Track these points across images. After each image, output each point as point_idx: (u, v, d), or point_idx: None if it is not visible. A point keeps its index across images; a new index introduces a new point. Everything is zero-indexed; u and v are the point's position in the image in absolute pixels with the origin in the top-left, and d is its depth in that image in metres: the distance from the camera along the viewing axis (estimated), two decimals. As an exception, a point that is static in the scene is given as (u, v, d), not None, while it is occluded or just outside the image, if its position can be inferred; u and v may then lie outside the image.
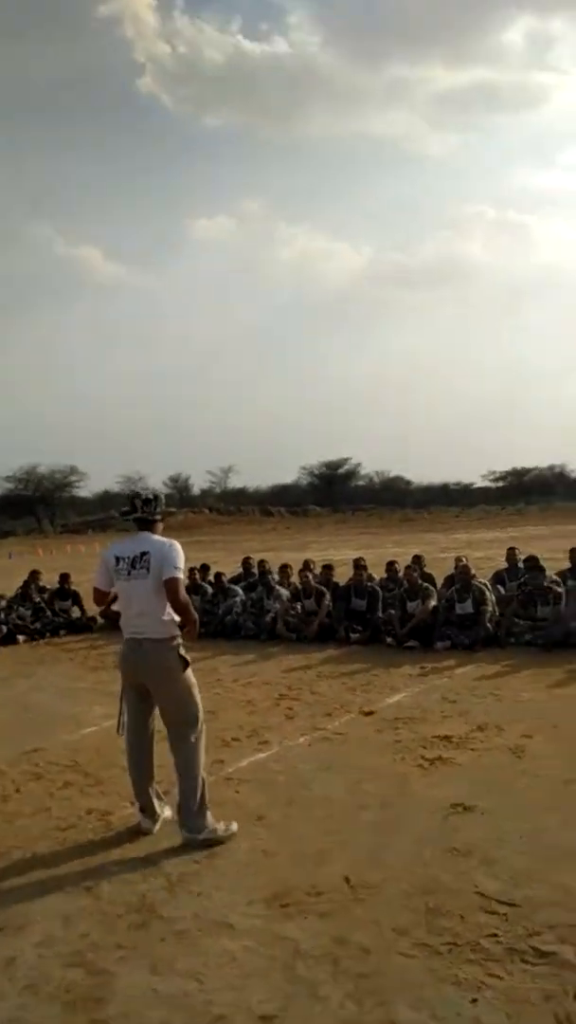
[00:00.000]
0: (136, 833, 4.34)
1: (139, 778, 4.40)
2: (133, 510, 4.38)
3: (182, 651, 4.29)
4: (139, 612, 4.26)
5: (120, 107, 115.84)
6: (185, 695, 4.28)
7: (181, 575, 4.25)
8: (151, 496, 4.43)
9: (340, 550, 25.78)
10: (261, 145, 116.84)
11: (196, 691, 4.33)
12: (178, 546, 4.26)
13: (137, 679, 4.34)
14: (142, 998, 2.85)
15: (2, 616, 11.52)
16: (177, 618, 4.25)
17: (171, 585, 4.17)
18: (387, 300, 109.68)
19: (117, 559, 4.30)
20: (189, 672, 4.30)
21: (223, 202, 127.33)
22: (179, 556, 4.23)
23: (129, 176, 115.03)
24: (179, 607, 4.22)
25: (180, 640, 4.29)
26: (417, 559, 11.40)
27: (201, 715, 4.34)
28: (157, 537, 4.33)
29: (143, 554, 4.23)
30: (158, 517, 4.41)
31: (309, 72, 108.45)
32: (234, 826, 4.27)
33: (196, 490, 69.43)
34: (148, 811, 4.39)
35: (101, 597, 4.51)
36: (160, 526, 4.43)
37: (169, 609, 4.23)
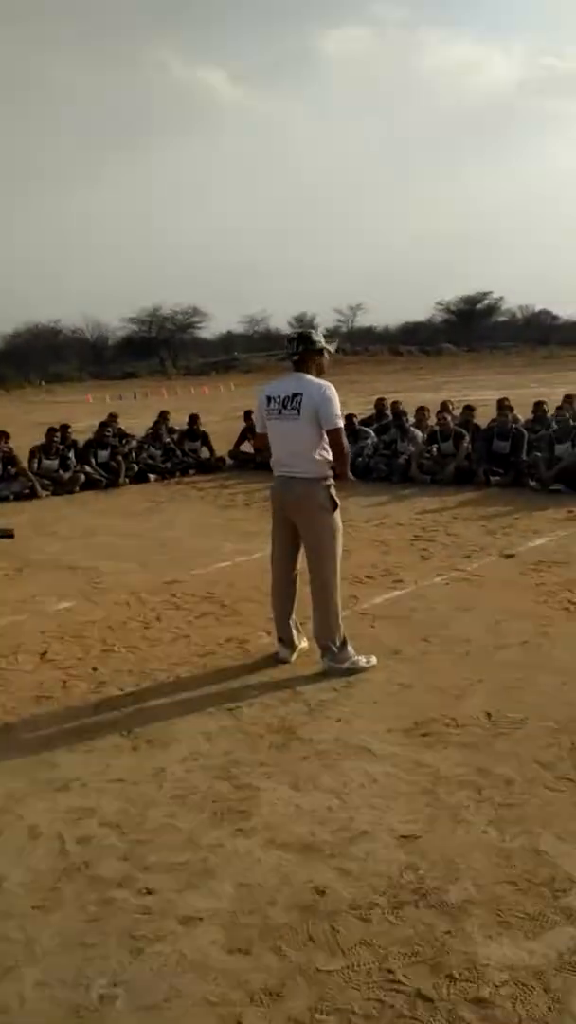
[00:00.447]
0: (273, 661, 4.41)
1: (281, 610, 4.46)
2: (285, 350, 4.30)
3: (333, 492, 4.23)
4: (289, 452, 4.24)
5: None
6: (330, 535, 4.24)
7: (341, 423, 4.18)
8: (295, 335, 4.31)
9: (477, 391, 24.74)
10: None
11: (340, 535, 4.28)
12: (332, 390, 4.15)
13: (286, 513, 4.33)
14: (286, 812, 2.91)
15: (134, 456, 11.80)
16: (329, 457, 4.19)
17: (334, 437, 4.14)
18: (541, 112, 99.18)
19: (269, 399, 4.26)
20: (337, 514, 4.25)
21: (357, 9, 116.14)
22: (335, 403, 4.14)
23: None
24: (342, 457, 4.20)
25: (331, 481, 4.23)
26: (569, 399, 10.83)
27: (340, 556, 4.30)
28: (310, 378, 4.21)
29: (295, 395, 4.15)
30: (296, 357, 4.24)
31: None
32: (373, 659, 4.28)
33: (322, 330, 67.47)
34: (287, 641, 4.45)
35: (261, 440, 4.47)
36: (314, 367, 4.27)
37: (320, 450, 4.17)
